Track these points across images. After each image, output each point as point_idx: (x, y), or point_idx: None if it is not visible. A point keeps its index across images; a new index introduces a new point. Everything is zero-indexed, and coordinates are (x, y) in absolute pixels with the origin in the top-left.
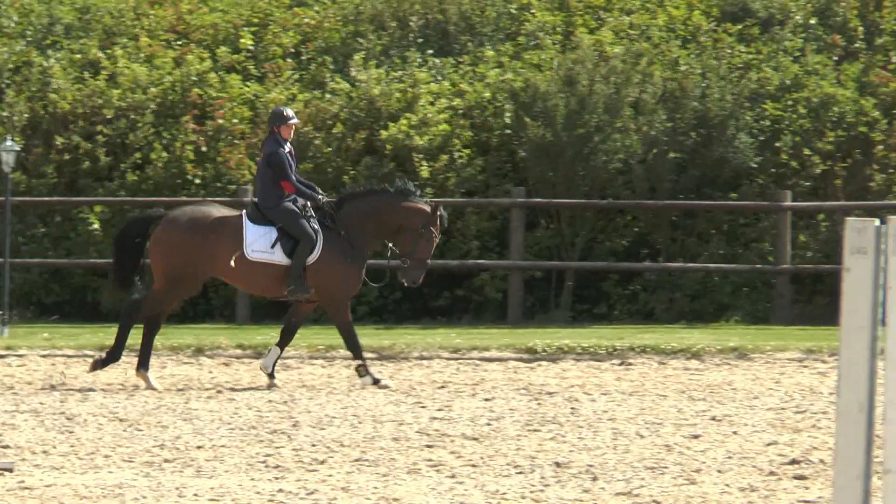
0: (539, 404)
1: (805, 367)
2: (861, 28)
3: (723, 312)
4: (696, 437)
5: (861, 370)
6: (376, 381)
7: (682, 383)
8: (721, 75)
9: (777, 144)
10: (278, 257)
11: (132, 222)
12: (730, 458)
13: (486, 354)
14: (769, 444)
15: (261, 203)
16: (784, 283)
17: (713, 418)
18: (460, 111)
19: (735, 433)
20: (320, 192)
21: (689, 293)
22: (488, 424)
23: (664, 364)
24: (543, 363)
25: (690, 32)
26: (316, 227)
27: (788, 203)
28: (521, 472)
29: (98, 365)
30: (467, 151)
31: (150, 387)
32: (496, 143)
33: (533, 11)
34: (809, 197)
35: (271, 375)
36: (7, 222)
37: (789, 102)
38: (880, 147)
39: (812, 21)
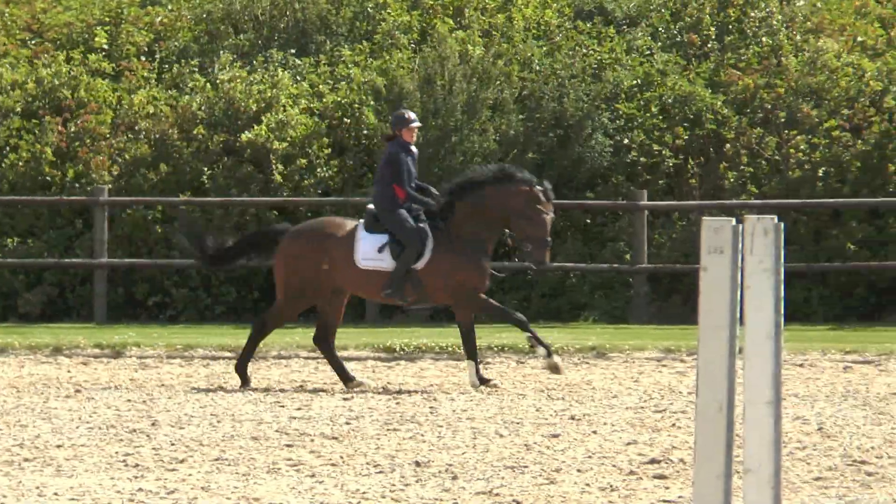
0: (398, 403)
1: (664, 366)
2: (713, 28)
3: (580, 312)
4: (555, 436)
5: (719, 369)
6: (484, 381)
7: (540, 382)
8: (573, 74)
9: (625, 142)
10: (386, 264)
11: (265, 231)
12: (590, 457)
13: (345, 353)
14: (629, 444)
15: (376, 206)
16: (641, 283)
17: (572, 417)
18: (318, 112)
19: (594, 432)
20: (434, 195)
21: (545, 292)
22: (347, 424)
23: (522, 363)
24: (402, 362)
25: (543, 31)
26: (427, 231)
27: (645, 202)
28: (381, 472)
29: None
30: (326, 152)
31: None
32: (353, 144)
33: (389, 11)
34: (665, 196)
35: (482, 382)
36: None
37: (642, 102)
38: (728, 146)
39: (667, 20)
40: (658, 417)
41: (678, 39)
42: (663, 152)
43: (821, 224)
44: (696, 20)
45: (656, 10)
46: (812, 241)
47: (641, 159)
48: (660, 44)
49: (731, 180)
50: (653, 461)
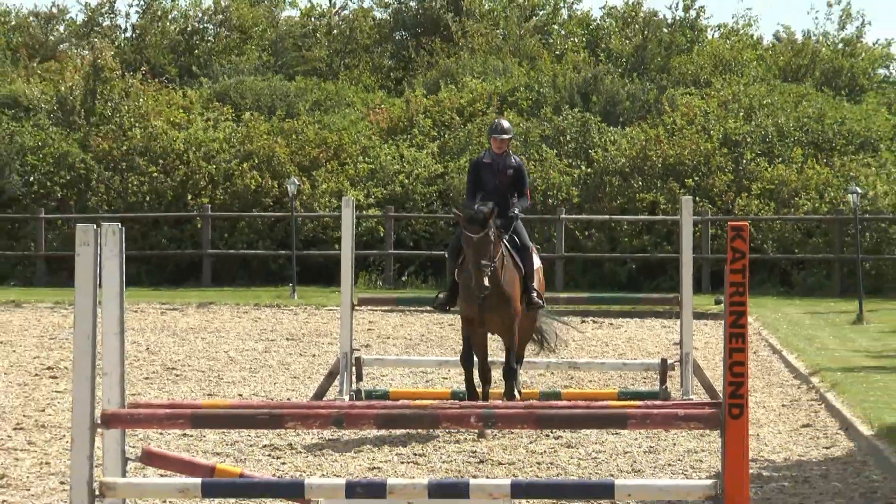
0: None
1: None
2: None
3: None
4: None
5: (88, 315)
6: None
7: None
8: None
9: None
10: None
11: None
12: (11, 365)
13: None
14: (35, 357)
15: None
16: None
17: None
18: None
19: (15, 351)
20: (487, 209)
21: None
22: None
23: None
24: None
25: None
26: (453, 249)
27: None
28: None
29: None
30: None
31: None
32: None
33: None
34: None
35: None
36: None
37: None
38: None
39: None
40: (53, 343)
41: None
42: None
43: None
44: None
45: None
46: None
47: None
48: None
49: None
50: (49, 368)
